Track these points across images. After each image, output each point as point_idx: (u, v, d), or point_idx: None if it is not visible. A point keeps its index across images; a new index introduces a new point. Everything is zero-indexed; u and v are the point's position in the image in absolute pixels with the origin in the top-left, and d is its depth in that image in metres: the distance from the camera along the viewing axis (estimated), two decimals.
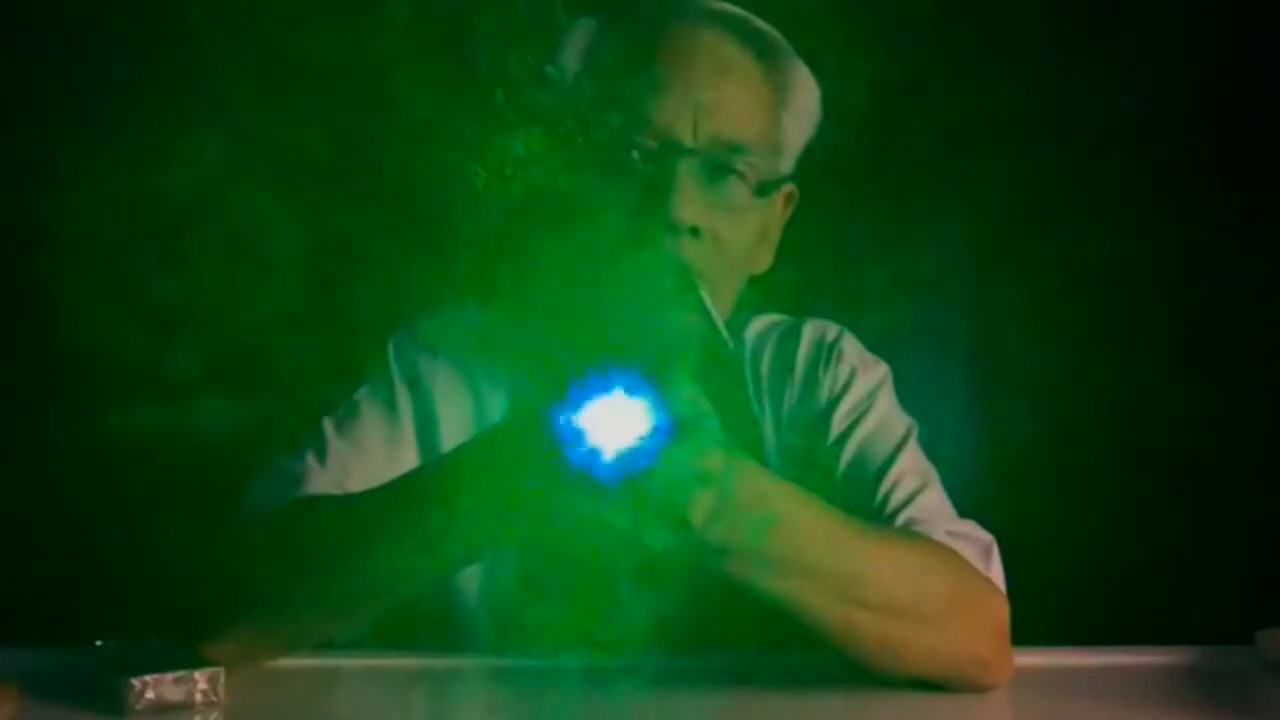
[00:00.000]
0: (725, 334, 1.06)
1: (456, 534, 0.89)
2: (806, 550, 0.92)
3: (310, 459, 1.09)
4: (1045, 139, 1.67)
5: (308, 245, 1.56)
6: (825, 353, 1.19)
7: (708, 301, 1.05)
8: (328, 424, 1.12)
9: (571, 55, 1.11)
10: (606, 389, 0.77)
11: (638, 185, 1.05)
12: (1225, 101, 1.65)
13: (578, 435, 0.77)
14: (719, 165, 1.07)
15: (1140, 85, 1.66)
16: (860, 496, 1.10)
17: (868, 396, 1.17)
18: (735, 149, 1.07)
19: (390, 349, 1.16)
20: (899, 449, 1.13)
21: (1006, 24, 1.66)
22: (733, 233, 1.08)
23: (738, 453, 0.86)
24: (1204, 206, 1.65)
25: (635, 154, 1.05)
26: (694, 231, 1.05)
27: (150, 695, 0.90)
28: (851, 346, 1.21)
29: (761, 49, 1.11)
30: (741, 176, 1.08)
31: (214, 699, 0.93)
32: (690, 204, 1.04)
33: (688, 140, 1.05)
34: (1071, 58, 1.68)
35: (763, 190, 1.10)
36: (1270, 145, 1.65)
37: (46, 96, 1.62)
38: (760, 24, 1.12)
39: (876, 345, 1.23)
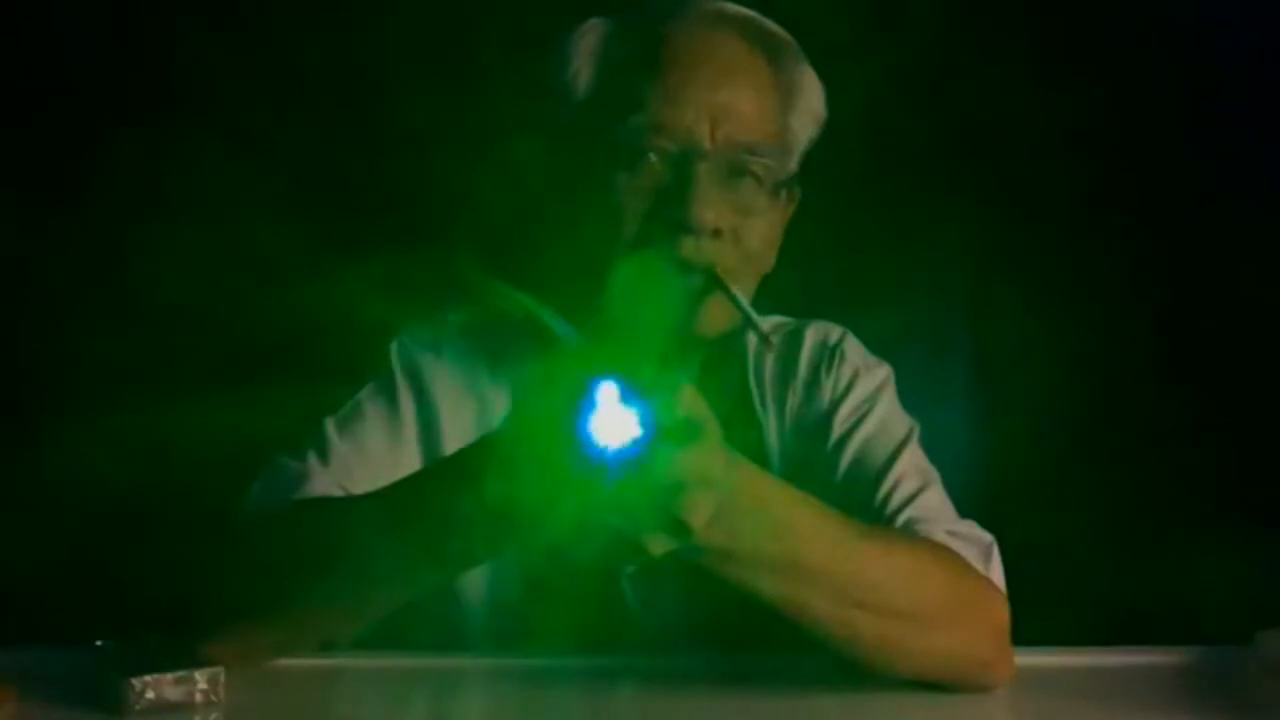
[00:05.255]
0: (761, 324, 1.05)
1: (459, 537, 0.89)
2: (806, 553, 0.92)
3: (312, 459, 1.08)
4: (1046, 139, 1.67)
5: (309, 246, 1.56)
6: (828, 355, 1.20)
7: (739, 294, 1.05)
8: (329, 424, 1.12)
9: (579, 57, 1.11)
10: (608, 393, 0.77)
11: (656, 188, 1.05)
12: (1225, 103, 1.65)
13: (580, 439, 0.77)
14: (736, 167, 1.07)
15: (1141, 86, 1.66)
16: (861, 497, 1.10)
17: (869, 398, 1.17)
18: (751, 150, 1.07)
19: (393, 349, 1.16)
20: (900, 449, 1.13)
21: (1007, 24, 1.66)
22: (750, 234, 1.08)
23: (738, 455, 0.86)
24: (1206, 207, 1.65)
25: (652, 156, 1.05)
26: (716, 233, 1.05)
27: (150, 695, 0.90)
28: (854, 349, 1.21)
29: (770, 50, 1.11)
30: (757, 178, 1.08)
31: (214, 699, 0.93)
32: (711, 206, 1.04)
33: (706, 143, 1.05)
34: (1072, 59, 1.68)
35: (775, 191, 1.10)
36: (1271, 146, 1.65)
37: (49, 99, 1.62)
38: (768, 24, 1.12)
39: (877, 346, 1.23)
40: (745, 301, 1.05)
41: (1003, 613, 1.03)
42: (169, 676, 0.91)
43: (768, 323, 1.23)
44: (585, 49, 1.11)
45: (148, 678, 0.91)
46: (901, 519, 1.07)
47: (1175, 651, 1.12)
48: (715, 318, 1.07)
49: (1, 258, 1.60)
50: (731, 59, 1.09)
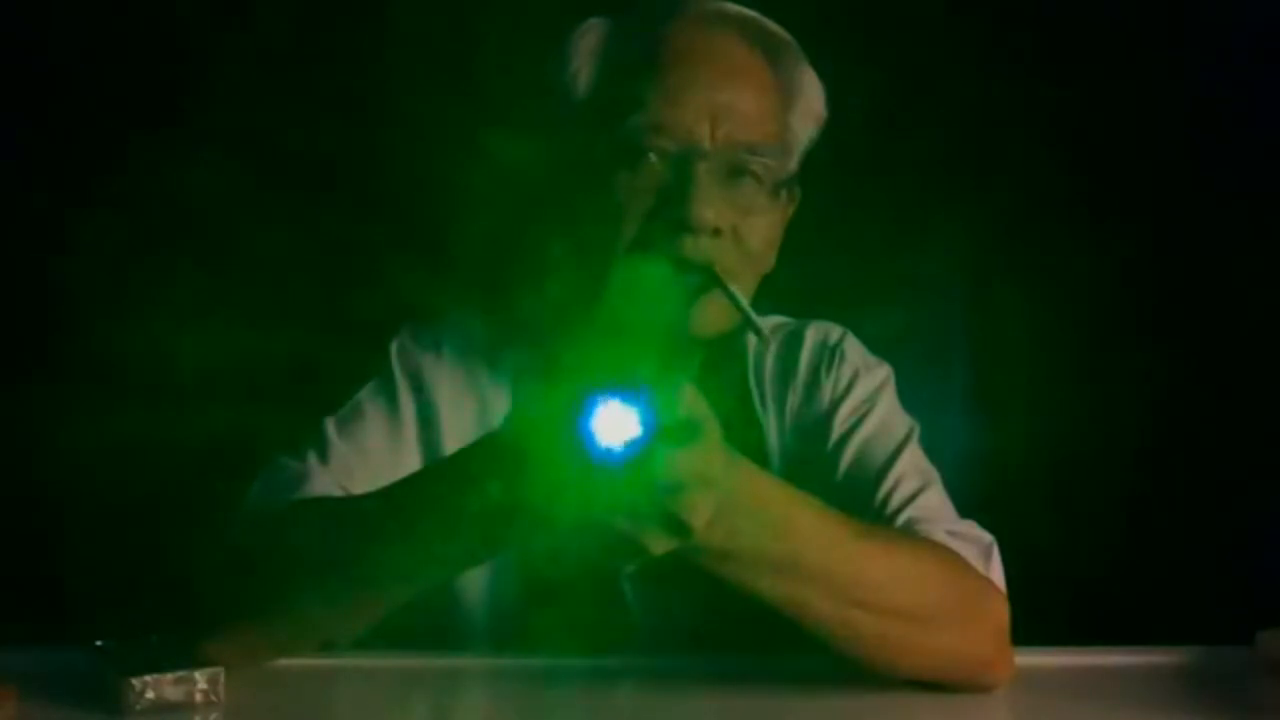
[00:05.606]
0: (759, 322, 1.05)
1: (460, 537, 0.89)
2: (807, 553, 0.91)
3: (312, 459, 1.08)
4: (1046, 140, 1.67)
5: (310, 246, 1.56)
6: (828, 355, 1.20)
7: (737, 293, 1.05)
8: (329, 424, 1.11)
9: (579, 57, 1.11)
10: (609, 393, 0.77)
11: (656, 187, 1.05)
12: (1228, 103, 1.65)
13: (580, 439, 0.77)
14: (736, 167, 1.07)
15: (1142, 86, 1.66)
16: (861, 497, 1.10)
17: (869, 398, 1.17)
18: (751, 150, 1.07)
19: (393, 349, 1.16)
20: (900, 449, 1.13)
21: (1008, 25, 1.66)
22: (751, 233, 1.08)
23: (738, 455, 0.86)
24: (1205, 207, 1.65)
25: (653, 156, 1.05)
26: (715, 232, 1.05)
27: (150, 695, 0.91)
28: (854, 349, 1.21)
29: (770, 50, 1.11)
30: (757, 178, 1.08)
31: (214, 699, 0.93)
32: (711, 205, 1.04)
33: (706, 143, 1.05)
34: (1073, 59, 1.68)
35: (775, 191, 1.10)
36: (1270, 146, 1.65)
37: (51, 99, 1.62)
38: (768, 24, 1.11)
39: (877, 346, 1.23)
40: (744, 301, 1.06)
41: (1003, 613, 1.03)
42: (169, 676, 0.91)
43: (768, 323, 1.24)
44: (585, 49, 1.11)
45: (148, 678, 0.91)
46: (902, 519, 1.07)
47: (1175, 651, 1.12)
48: (714, 317, 1.07)
49: (3, 257, 1.60)
50: (732, 59, 1.09)
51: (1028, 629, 1.05)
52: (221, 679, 0.93)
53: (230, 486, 1.07)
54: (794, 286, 1.19)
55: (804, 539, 0.92)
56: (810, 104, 1.14)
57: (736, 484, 0.84)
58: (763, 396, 1.19)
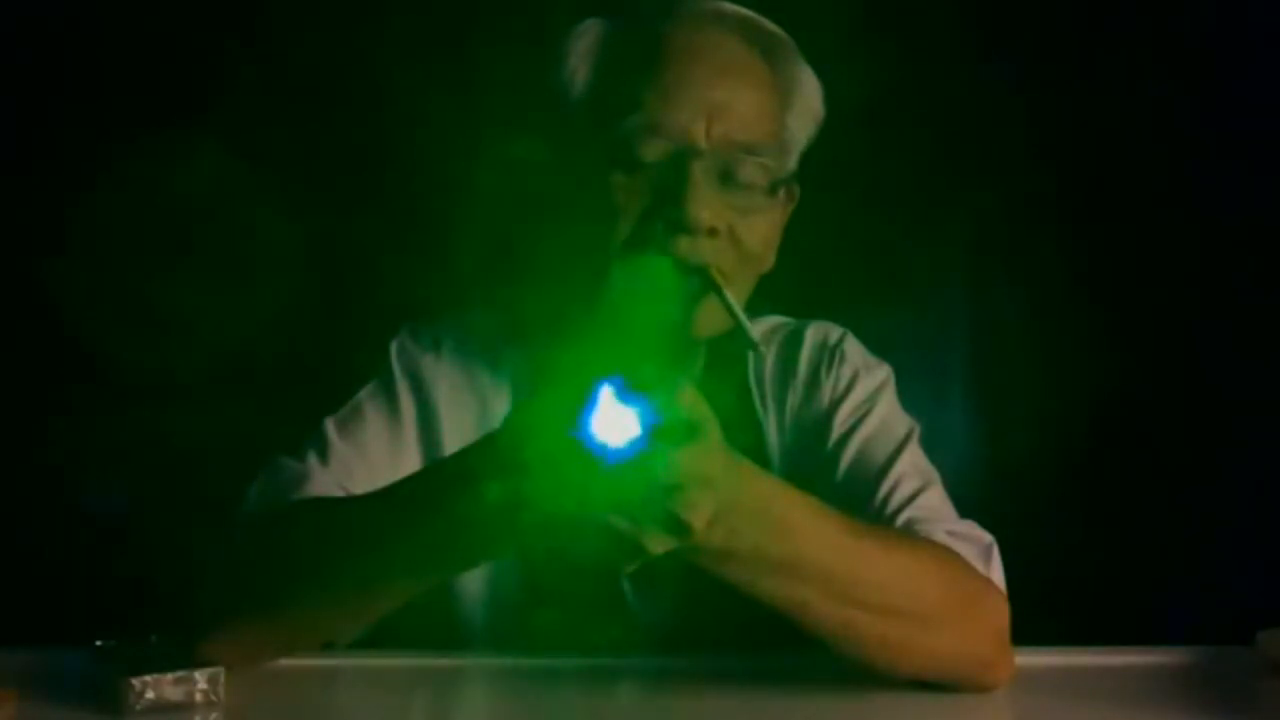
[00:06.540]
0: (752, 331, 1.05)
1: (460, 537, 0.89)
2: (807, 553, 0.91)
3: (312, 459, 1.08)
4: (1045, 140, 1.67)
5: (309, 246, 1.56)
6: (828, 355, 1.20)
7: (731, 299, 1.05)
8: (329, 424, 1.11)
9: (576, 57, 1.11)
10: (608, 393, 0.77)
11: (653, 187, 1.05)
12: (1228, 104, 1.65)
13: (581, 438, 0.77)
14: (732, 166, 1.06)
15: (1142, 87, 1.66)
16: (861, 497, 1.10)
17: (869, 398, 1.17)
18: (748, 150, 1.07)
19: (393, 349, 1.16)
20: (900, 450, 1.13)
21: (1007, 25, 1.66)
22: (748, 233, 1.08)
23: (739, 455, 0.86)
24: (1205, 208, 1.65)
25: (649, 156, 1.05)
26: (712, 232, 1.04)
27: (150, 695, 0.91)
28: (854, 349, 1.21)
29: (767, 49, 1.11)
30: (754, 177, 1.07)
31: (214, 699, 0.93)
32: (707, 205, 1.04)
33: (701, 142, 1.05)
34: (1071, 59, 1.68)
35: (772, 190, 1.10)
36: (1270, 147, 1.65)
37: (50, 99, 1.62)
38: (765, 23, 1.11)
39: (877, 346, 1.23)
40: (738, 306, 1.05)
41: (1003, 613, 1.03)
42: (169, 676, 0.91)
43: (767, 323, 1.24)
44: (582, 49, 1.11)
45: (148, 678, 0.91)
46: (901, 519, 1.07)
47: (1175, 651, 1.12)
48: (714, 318, 1.07)
49: (3, 257, 1.60)
50: (728, 58, 1.09)
51: (1028, 629, 1.05)
52: (221, 679, 0.93)
53: (230, 486, 1.07)
54: (794, 286, 1.19)
55: (804, 539, 0.91)
56: (808, 103, 1.14)
57: (737, 484, 0.84)
58: (763, 396, 1.19)
